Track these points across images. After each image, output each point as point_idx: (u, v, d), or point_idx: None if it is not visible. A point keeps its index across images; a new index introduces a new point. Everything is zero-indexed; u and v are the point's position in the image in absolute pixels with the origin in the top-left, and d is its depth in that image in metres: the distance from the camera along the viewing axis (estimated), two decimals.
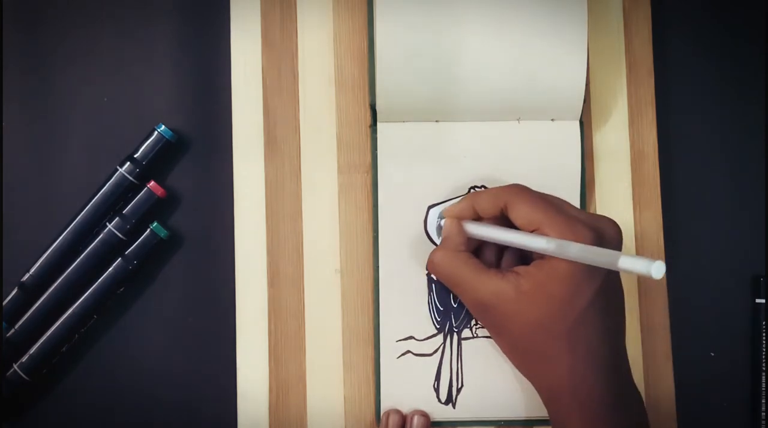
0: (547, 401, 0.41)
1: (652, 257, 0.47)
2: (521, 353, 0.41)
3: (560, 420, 0.40)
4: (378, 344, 0.46)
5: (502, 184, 0.46)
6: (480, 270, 0.41)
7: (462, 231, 0.43)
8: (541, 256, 0.39)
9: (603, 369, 0.39)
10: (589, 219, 0.40)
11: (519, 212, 0.40)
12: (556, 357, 0.39)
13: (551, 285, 0.38)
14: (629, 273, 0.35)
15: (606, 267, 0.36)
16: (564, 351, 0.39)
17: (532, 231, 0.40)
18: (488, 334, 0.46)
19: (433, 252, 0.43)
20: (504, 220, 0.42)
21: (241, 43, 0.48)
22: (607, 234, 0.39)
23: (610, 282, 0.40)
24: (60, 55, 0.49)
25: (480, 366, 0.46)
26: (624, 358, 0.41)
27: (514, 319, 0.40)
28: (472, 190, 0.46)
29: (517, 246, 0.40)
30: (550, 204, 0.40)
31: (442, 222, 0.45)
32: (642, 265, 0.34)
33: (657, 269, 0.33)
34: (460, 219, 0.43)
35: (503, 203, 0.41)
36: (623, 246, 0.41)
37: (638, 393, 0.41)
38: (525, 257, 0.43)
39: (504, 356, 0.44)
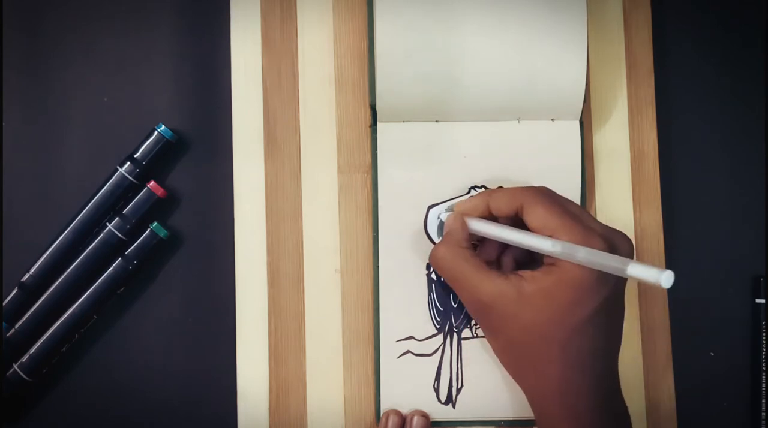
0: (534, 406, 0.41)
1: (655, 259, 0.48)
2: (514, 356, 0.41)
3: (546, 426, 0.40)
4: (378, 344, 0.46)
5: (501, 185, 0.46)
6: (482, 269, 0.40)
7: (465, 226, 0.42)
8: (550, 262, 0.39)
9: (593, 380, 0.39)
10: (605, 231, 0.39)
11: (535, 215, 0.39)
12: (548, 363, 0.39)
13: (556, 292, 0.38)
14: (638, 280, 0.35)
15: (613, 273, 0.35)
16: (557, 358, 0.39)
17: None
18: None
19: (435, 247, 0.42)
20: (518, 222, 0.41)
21: (241, 43, 0.48)
22: (620, 249, 0.39)
23: (613, 299, 0.39)
24: (60, 55, 0.49)
25: (480, 366, 0.46)
26: (615, 376, 0.41)
27: (512, 322, 0.39)
28: (472, 190, 0.46)
29: (523, 247, 0.40)
30: (567, 211, 0.39)
31: (443, 216, 0.45)
32: (652, 274, 0.33)
33: (666, 278, 0.33)
34: (470, 214, 0.43)
35: (519, 204, 0.40)
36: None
37: (626, 409, 0.41)
38: (525, 258, 0.43)
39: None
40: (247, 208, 0.48)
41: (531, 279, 0.39)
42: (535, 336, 0.39)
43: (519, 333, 0.39)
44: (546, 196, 0.40)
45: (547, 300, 0.38)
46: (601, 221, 0.47)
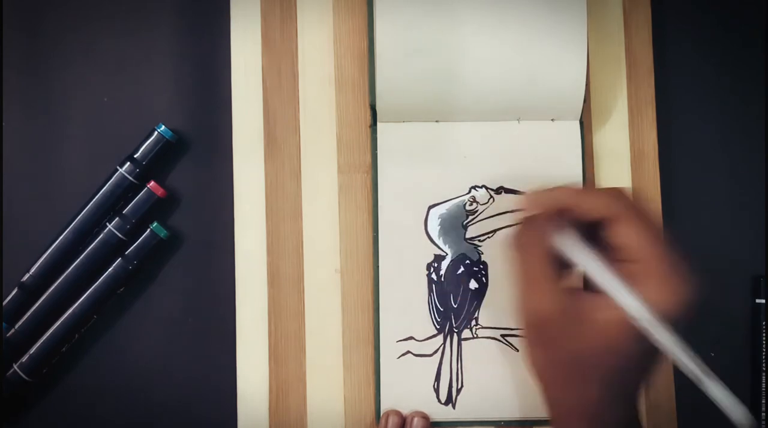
0: (556, 417, 0.40)
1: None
2: (552, 373, 0.39)
3: None
4: (378, 344, 0.46)
5: (502, 185, 0.46)
6: (551, 279, 0.37)
7: (553, 222, 0.38)
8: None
9: (621, 404, 0.38)
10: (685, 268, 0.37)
11: (626, 236, 0.36)
12: (586, 384, 0.38)
13: (620, 326, 0.36)
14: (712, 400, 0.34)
15: (690, 377, 0.34)
16: (598, 380, 0.37)
17: (626, 260, 0.37)
18: (488, 335, 0.46)
19: (525, 232, 0.39)
20: (593, 226, 0.38)
21: (241, 43, 0.48)
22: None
23: None
24: (60, 55, 0.49)
25: (480, 367, 0.46)
26: (638, 395, 0.40)
27: (564, 342, 0.37)
28: (472, 190, 0.46)
29: (609, 294, 0.37)
30: (658, 239, 0.36)
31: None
32: (730, 405, 0.34)
33: (743, 416, 0.33)
34: (549, 207, 0.38)
35: (612, 215, 0.37)
36: None
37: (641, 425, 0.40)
38: None
39: (507, 358, 0.43)
40: (247, 208, 0.48)
41: (597, 309, 0.36)
42: (584, 361, 0.37)
43: (567, 355, 0.38)
44: (643, 215, 0.37)
45: (609, 332, 0.36)
46: None
